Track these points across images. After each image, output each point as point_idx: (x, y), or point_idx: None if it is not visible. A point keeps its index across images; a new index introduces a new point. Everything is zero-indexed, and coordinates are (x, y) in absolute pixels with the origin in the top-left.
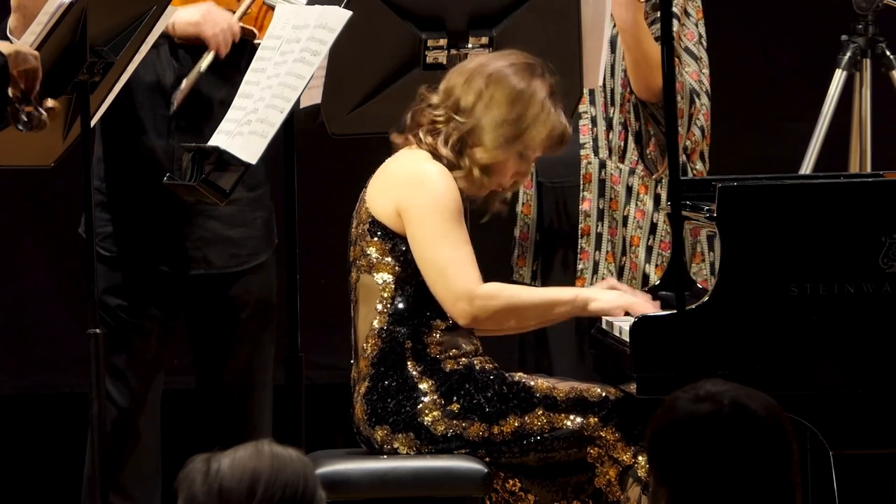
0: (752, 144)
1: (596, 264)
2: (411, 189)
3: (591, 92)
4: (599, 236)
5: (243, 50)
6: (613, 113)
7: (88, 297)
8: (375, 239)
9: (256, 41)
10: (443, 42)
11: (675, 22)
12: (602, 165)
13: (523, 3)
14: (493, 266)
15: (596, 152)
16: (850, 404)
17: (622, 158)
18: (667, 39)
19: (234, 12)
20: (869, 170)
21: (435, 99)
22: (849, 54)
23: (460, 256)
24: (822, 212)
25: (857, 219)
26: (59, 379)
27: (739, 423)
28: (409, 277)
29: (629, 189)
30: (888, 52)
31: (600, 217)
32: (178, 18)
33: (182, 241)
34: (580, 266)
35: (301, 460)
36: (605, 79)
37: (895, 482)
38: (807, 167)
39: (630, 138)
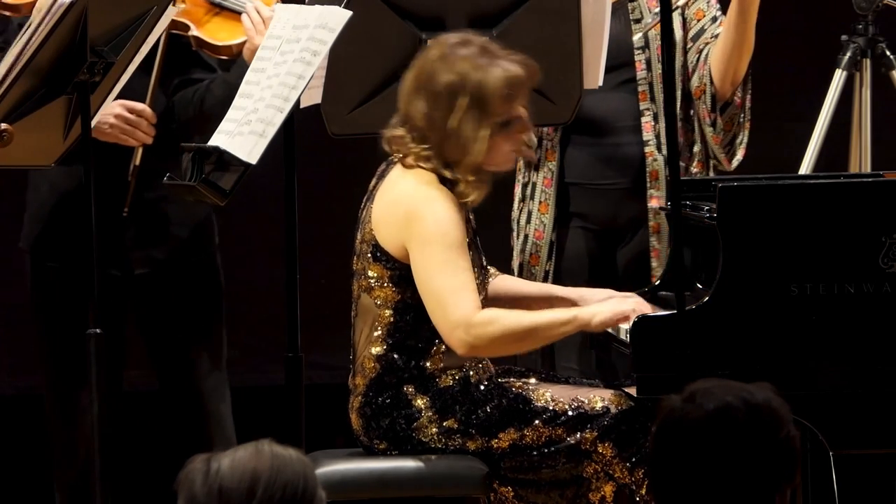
0: (752, 144)
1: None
2: (412, 222)
3: (651, 87)
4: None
5: (186, 48)
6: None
7: (88, 298)
8: (377, 263)
9: (190, 34)
10: None
11: (712, 22)
12: (667, 162)
13: (523, 3)
14: (497, 265)
15: (659, 149)
16: (850, 404)
17: (689, 156)
18: (667, 39)
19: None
20: (869, 170)
21: (400, 131)
22: (849, 54)
23: (458, 284)
24: (822, 212)
25: (857, 219)
26: None
27: (686, 418)
28: (408, 304)
29: None
30: (888, 52)
31: (659, 214)
32: (94, 119)
33: (124, 242)
34: (654, 263)
35: (301, 460)
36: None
37: (895, 482)
38: (807, 167)
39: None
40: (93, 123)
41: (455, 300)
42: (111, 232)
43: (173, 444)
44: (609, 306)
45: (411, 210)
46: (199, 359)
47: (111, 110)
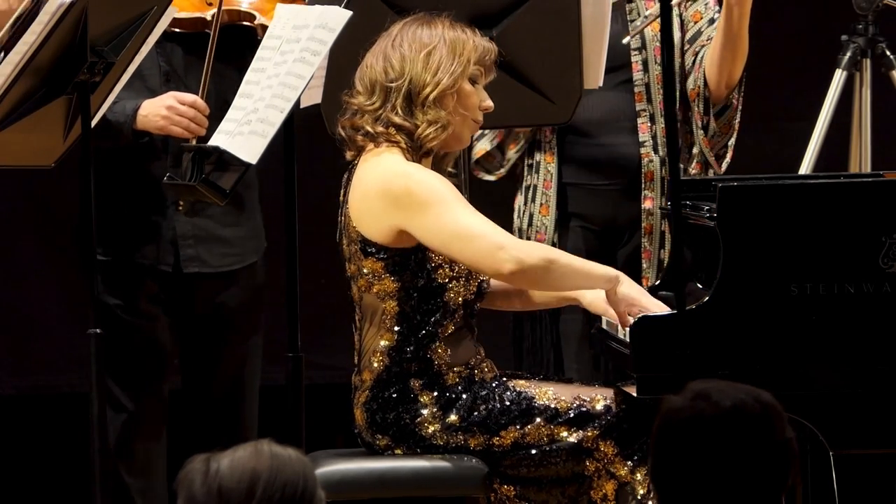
0: (752, 144)
1: (661, 262)
2: (401, 200)
3: (647, 88)
4: (662, 234)
5: (245, 38)
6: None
7: (89, 298)
8: (369, 258)
9: (257, 22)
10: None
11: (709, 25)
12: (663, 163)
13: (523, 3)
14: None
15: (656, 150)
16: (850, 404)
17: (688, 157)
18: (667, 40)
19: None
20: (869, 170)
21: (360, 98)
22: (849, 54)
23: (482, 219)
24: (822, 212)
25: (857, 219)
26: (59, 379)
27: (696, 418)
28: (409, 289)
29: None
30: (888, 52)
31: (663, 215)
32: (146, 111)
33: (176, 239)
34: (644, 265)
35: (301, 460)
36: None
37: (895, 482)
38: (807, 167)
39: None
40: (94, 121)
41: (488, 229)
42: (164, 227)
43: (199, 445)
44: (637, 290)
45: (394, 191)
46: (234, 363)
47: (162, 102)
